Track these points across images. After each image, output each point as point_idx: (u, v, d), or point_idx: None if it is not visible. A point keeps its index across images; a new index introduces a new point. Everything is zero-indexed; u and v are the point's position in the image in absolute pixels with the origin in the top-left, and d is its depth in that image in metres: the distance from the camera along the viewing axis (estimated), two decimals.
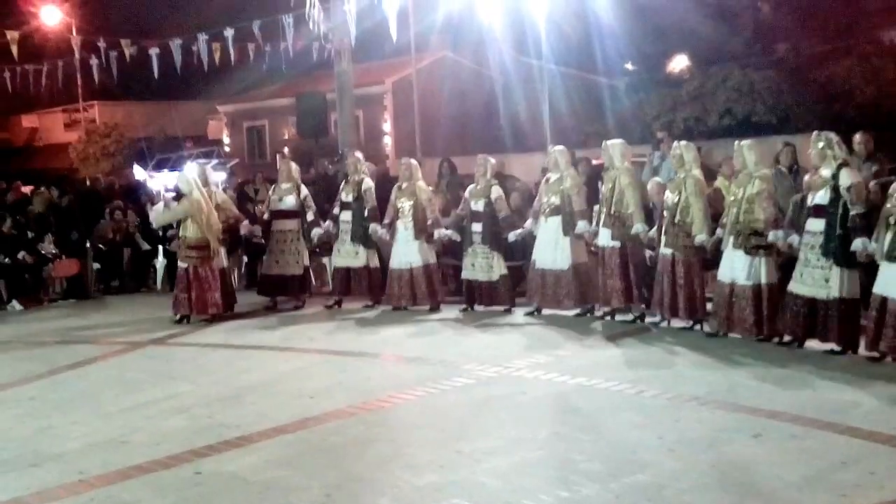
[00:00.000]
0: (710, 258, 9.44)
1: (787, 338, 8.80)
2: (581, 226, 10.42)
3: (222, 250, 11.61)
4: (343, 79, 18.57)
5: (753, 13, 29.35)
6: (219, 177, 22.23)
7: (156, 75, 19.09)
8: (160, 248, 14.31)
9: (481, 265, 11.14)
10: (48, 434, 6.94)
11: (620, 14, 23.13)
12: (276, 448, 6.34)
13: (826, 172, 8.32)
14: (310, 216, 12.02)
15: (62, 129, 40.18)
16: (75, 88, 32.81)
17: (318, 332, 10.59)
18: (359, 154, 12.65)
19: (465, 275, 11.34)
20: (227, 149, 33.09)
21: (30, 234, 13.87)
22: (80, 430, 7.00)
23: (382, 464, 5.93)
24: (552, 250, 10.58)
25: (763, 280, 8.80)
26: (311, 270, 12.67)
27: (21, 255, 13.43)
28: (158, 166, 28.83)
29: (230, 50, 18.02)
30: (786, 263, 8.93)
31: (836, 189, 8.15)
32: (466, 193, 11.33)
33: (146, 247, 12.34)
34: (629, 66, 29.44)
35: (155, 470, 5.96)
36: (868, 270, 8.19)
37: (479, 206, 11.10)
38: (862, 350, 8.22)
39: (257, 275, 13.15)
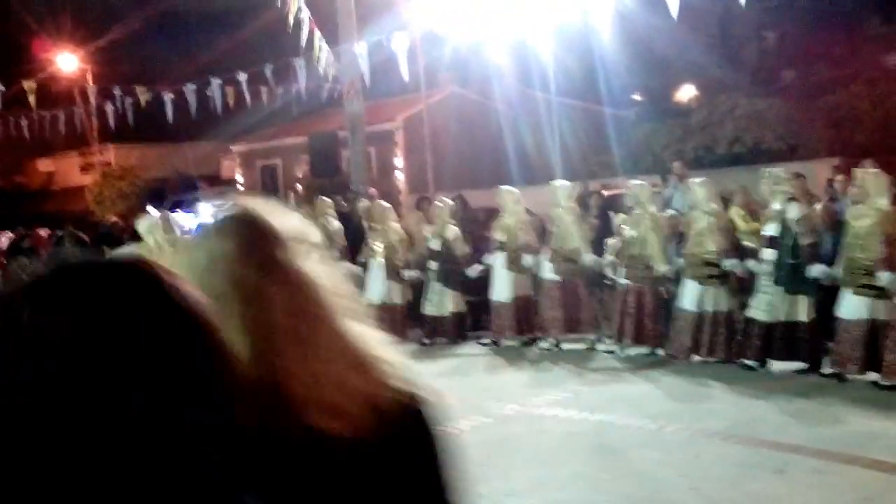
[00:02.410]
0: (668, 288, 10.04)
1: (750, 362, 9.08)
2: (526, 259, 11.00)
3: None
4: (354, 117, 18.75)
5: (758, 42, 29.51)
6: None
7: (170, 120, 19.30)
8: None
9: (434, 301, 11.75)
10: None
11: (625, 46, 23.23)
12: None
13: (776, 206, 8.87)
14: None
15: (78, 172, 40.39)
16: (91, 132, 33.13)
17: None
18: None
19: (423, 309, 11.91)
20: (240, 188, 33.28)
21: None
22: None
23: None
24: (497, 283, 11.24)
25: (717, 308, 9.31)
26: None
27: None
28: (174, 207, 29.08)
29: (244, 93, 18.21)
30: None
31: (784, 221, 8.71)
32: (426, 233, 11.98)
33: None
34: (636, 97, 29.56)
35: None
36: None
37: (435, 245, 11.72)
38: (826, 369, 8.60)
39: None
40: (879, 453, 6.37)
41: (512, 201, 11.34)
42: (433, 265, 11.75)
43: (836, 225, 9.09)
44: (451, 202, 13.48)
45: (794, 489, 5.80)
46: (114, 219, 19.73)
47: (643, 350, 10.06)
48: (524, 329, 11.24)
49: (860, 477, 5.99)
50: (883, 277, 7.98)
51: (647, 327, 9.99)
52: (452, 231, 11.72)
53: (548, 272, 10.83)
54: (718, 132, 22.93)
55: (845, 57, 26.54)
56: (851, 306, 8.25)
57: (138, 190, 33.37)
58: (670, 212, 11.22)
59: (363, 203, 13.34)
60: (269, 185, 33.16)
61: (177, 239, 12.07)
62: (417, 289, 12.21)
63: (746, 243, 9.55)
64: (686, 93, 29.18)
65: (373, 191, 17.68)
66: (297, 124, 29.13)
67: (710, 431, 7.21)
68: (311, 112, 25.89)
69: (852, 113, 22.79)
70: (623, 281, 10.13)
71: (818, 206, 9.22)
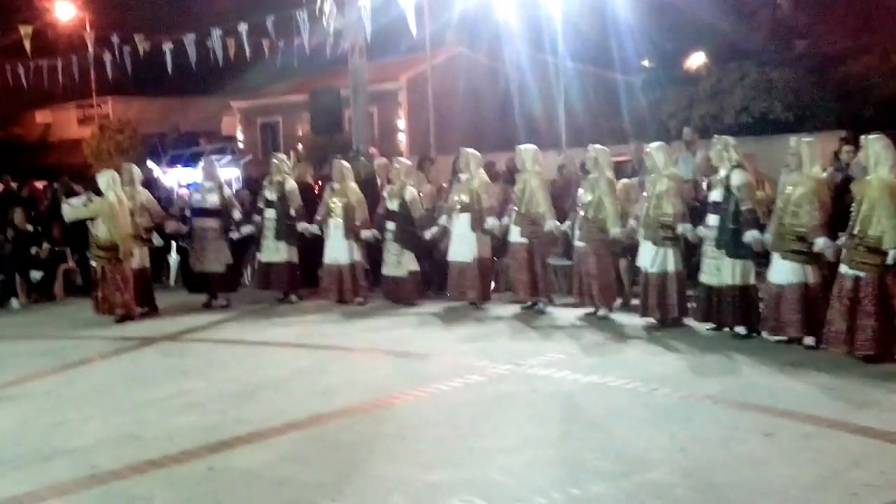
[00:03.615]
0: (624, 249, 10.49)
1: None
2: (490, 222, 11.17)
3: (140, 251, 11.83)
4: (357, 75, 18.58)
5: (772, 10, 29.15)
6: (231, 173, 22.41)
7: (169, 71, 19.10)
8: (173, 243, 14.33)
9: (392, 262, 11.83)
10: (62, 429, 6.98)
11: (637, 10, 22.97)
12: (289, 444, 6.36)
13: (722, 172, 9.22)
14: (236, 214, 12.44)
15: (76, 125, 40.26)
16: (89, 84, 32.86)
17: (332, 329, 10.62)
18: (282, 155, 13.25)
19: (382, 270, 12.00)
20: (240, 145, 33.14)
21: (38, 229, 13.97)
22: (94, 425, 7.05)
23: (393, 460, 5.93)
24: (460, 244, 11.35)
25: (669, 268, 9.62)
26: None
27: (34, 249, 13.51)
28: (172, 162, 28.97)
29: (244, 45, 18.01)
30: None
31: (727, 188, 9.05)
32: (384, 193, 12.02)
33: (159, 242, 12.41)
34: (646, 63, 29.24)
35: (168, 465, 5.99)
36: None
37: (393, 205, 11.77)
38: (765, 334, 8.91)
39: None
40: (868, 420, 6.34)
41: (475, 163, 11.51)
42: (391, 226, 11.78)
43: (840, 196, 9.05)
44: (414, 162, 13.45)
45: (783, 453, 5.77)
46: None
47: (635, 315, 10.14)
48: (486, 290, 11.49)
49: (848, 442, 5.95)
50: (818, 242, 8.28)
51: (603, 288, 10.33)
52: (410, 192, 11.80)
53: (515, 235, 10.97)
54: (726, 101, 22.69)
55: (860, 28, 26.22)
56: (784, 271, 8.57)
57: (137, 144, 33.24)
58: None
59: (379, 161, 13.25)
60: (270, 142, 33.02)
61: (136, 192, 12.11)
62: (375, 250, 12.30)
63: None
64: (697, 60, 28.83)
65: (374, 150, 17.58)
66: (299, 82, 28.92)
67: (701, 395, 7.17)
68: (314, 70, 25.68)
69: (863, 85, 22.53)
70: (579, 243, 10.43)
71: (825, 176, 9.11)
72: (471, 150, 11.56)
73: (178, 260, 14.53)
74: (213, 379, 8.40)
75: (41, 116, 41.90)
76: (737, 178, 9.03)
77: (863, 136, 8.25)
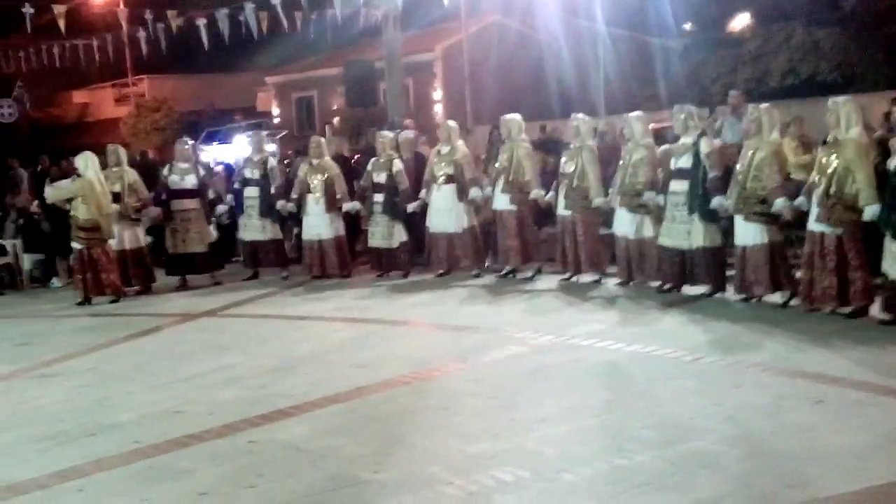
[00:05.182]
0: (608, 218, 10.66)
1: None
2: (474, 192, 11.40)
3: (132, 230, 11.95)
4: (391, 46, 18.41)
5: None
6: (268, 148, 22.40)
7: (205, 46, 19.07)
8: (213, 220, 14.33)
9: (382, 233, 11.94)
10: (105, 404, 7.02)
11: None
12: (329, 417, 6.34)
13: (688, 140, 9.53)
14: (211, 194, 12.62)
15: (112, 105, 40.50)
16: (124, 63, 33.01)
17: (371, 303, 10.58)
18: (263, 132, 13.27)
19: (370, 242, 12.16)
20: (276, 120, 33.17)
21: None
22: (136, 400, 7.07)
23: (434, 432, 5.89)
24: (446, 216, 11.47)
25: (645, 234, 9.98)
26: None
27: None
28: (208, 139, 29.08)
29: (279, 18, 17.92)
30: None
31: (696, 155, 9.36)
32: (370, 166, 12.11)
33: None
34: (687, 27, 28.71)
35: (209, 439, 5.99)
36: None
37: (380, 178, 11.88)
38: (730, 293, 9.34)
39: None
40: None
41: (455, 135, 11.73)
42: (378, 198, 11.85)
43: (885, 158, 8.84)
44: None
45: (833, 420, 5.64)
46: (149, 152, 19.75)
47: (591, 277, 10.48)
48: (480, 257, 11.72)
49: None
50: (778, 203, 8.63)
51: (588, 255, 10.54)
52: (397, 165, 11.87)
53: (502, 203, 11.10)
54: (772, 63, 22.26)
55: None
56: (748, 233, 8.91)
57: (173, 122, 33.39)
58: (717, 141, 11.07)
59: (405, 134, 13.16)
60: (305, 117, 33.00)
61: (125, 172, 12.13)
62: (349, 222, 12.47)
63: (794, 176, 9.27)
64: (740, 22, 28.22)
65: (409, 122, 17.47)
66: (333, 55, 28.82)
67: (749, 363, 7.04)
68: (348, 43, 25.57)
69: None
70: (564, 212, 10.61)
71: (872, 137, 8.95)
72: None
73: (217, 236, 14.52)
74: (253, 354, 8.40)
75: (79, 97, 42.21)
76: (705, 146, 9.36)
77: (831, 99, 8.49)
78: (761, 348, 7.51)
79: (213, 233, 12.80)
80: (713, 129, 12.98)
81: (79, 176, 11.38)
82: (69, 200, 11.38)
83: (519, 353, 7.75)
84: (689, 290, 9.69)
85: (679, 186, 9.52)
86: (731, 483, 4.80)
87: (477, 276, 11.58)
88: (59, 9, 18.20)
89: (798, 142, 10.29)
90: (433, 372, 7.36)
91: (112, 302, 11.37)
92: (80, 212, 11.24)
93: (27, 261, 13.65)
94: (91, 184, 11.22)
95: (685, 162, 9.50)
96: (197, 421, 6.38)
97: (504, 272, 11.41)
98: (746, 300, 9.15)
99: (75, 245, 11.44)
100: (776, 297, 9.03)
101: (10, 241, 13.69)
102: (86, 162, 11.38)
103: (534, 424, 5.85)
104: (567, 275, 10.81)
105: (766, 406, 5.96)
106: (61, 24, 18.09)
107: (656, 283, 9.99)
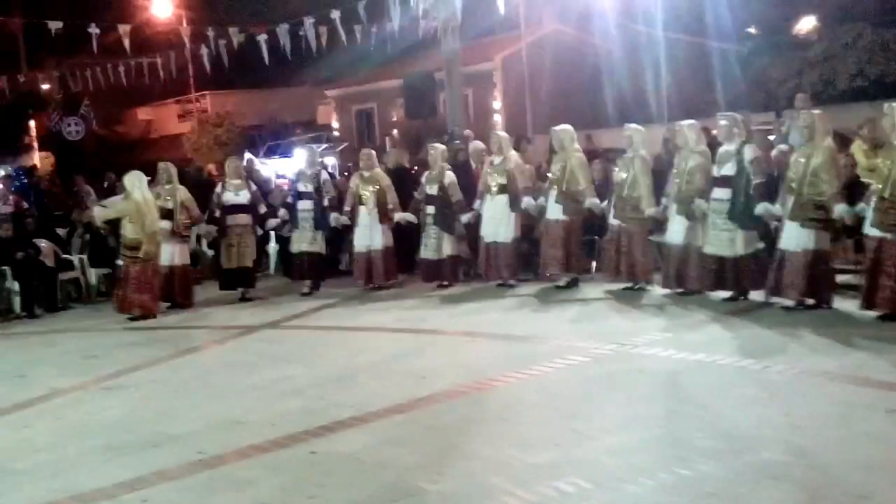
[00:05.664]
0: (656, 227, 10.72)
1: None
2: (526, 201, 11.42)
3: (180, 247, 12.12)
4: (450, 56, 18.44)
5: None
6: (329, 161, 22.59)
7: (266, 62, 19.27)
8: (272, 233, 14.47)
9: (432, 245, 12.00)
10: (168, 416, 7.09)
11: None
12: (390, 428, 6.32)
13: (731, 147, 9.55)
14: (262, 209, 12.74)
15: (176, 121, 41.18)
16: (187, 80, 33.54)
17: (428, 314, 10.57)
18: (316, 146, 13.32)
19: (421, 254, 12.22)
20: (336, 133, 33.42)
21: None
22: (199, 411, 7.14)
23: (495, 442, 5.84)
24: (496, 225, 11.53)
25: (694, 241, 9.91)
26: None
27: None
28: (269, 153, 29.39)
29: (338, 32, 18.05)
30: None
31: (740, 162, 9.39)
32: (423, 179, 12.23)
33: (259, 232, 12.61)
34: (751, 31, 28.25)
35: (271, 450, 6.01)
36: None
37: (432, 190, 11.97)
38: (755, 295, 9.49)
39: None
40: None
41: (507, 145, 11.81)
42: (430, 210, 11.96)
43: None
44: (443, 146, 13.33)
45: None
46: (210, 167, 19.99)
47: (724, 294, 9.90)
48: (518, 269, 11.73)
49: None
50: (839, 209, 8.60)
51: (637, 264, 10.56)
52: (449, 176, 11.92)
53: (555, 213, 11.11)
54: (839, 65, 21.80)
55: None
56: (797, 238, 8.86)
57: (235, 137, 33.83)
58: (781, 147, 10.99)
59: (474, 145, 13.16)
60: (365, 129, 33.21)
61: (177, 189, 12.28)
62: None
63: (864, 180, 9.04)
64: (806, 24, 27.70)
65: (468, 133, 17.46)
66: (392, 67, 28.94)
67: (816, 371, 6.88)
68: (407, 55, 25.66)
69: None
70: (614, 221, 10.68)
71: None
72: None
73: (277, 248, 14.68)
74: (313, 365, 8.43)
75: (143, 114, 43.02)
76: (749, 153, 9.39)
77: (886, 104, 8.44)
78: (826, 356, 7.35)
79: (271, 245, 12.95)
80: (780, 134, 12.79)
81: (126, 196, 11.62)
82: (114, 220, 11.63)
83: (580, 363, 7.67)
84: (753, 296, 9.60)
85: (722, 194, 9.54)
86: (799, 494, 4.68)
87: (513, 286, 11.57)
88: (124, 28, 18.55)
89: (870, 144, 10.03)
90: (493, 382, 7.31)
91: (132, 320, 11.47)
92: (126, 231, 11.47)
93: (93, 275, 13.90)
94: (136, 204, 11.42)
95: (728, 169, 9.51)
96: (258, 432, 6.41)
97: (499, 283, 11.63)
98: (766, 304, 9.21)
99: (118, 262, 11.73)
100: (843, 304, 8.91)
101: (78, 255, 13.97)
102: (132, 182, 11.59)
103: (596, 434, 5.78)
104: (625, 285, 10.79)
105: (835, 416, 5.81)
106: (126, 43, 18.44)
107: (709, 291, 9.93)
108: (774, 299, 9.26)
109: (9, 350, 10.62)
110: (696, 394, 6.58)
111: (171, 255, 12.05)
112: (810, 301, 9.00)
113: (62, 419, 7.32)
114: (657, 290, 10.51)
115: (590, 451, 5.49)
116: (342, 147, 28.15)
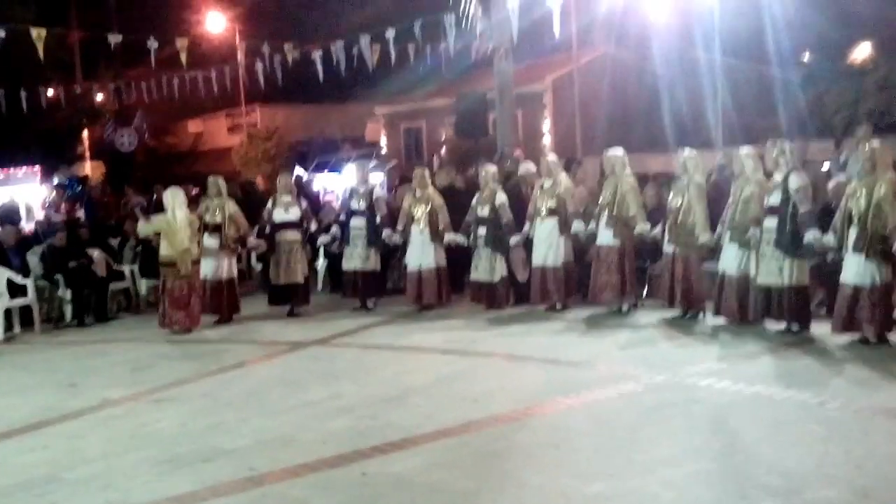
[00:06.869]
0: (710, 255, 10.52)
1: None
2: (576, 226, 11.39)
3: (228, 261, 12.19)
4: (503, 77, 18.42)
5: None
6: (376, 178, 22.64)
7: (321, 78, 19.38)
8: (321, 249, 14.51)
9: (485, 267, 11.93)
10: (219, 430, 7.10)
11: (796, 1, 21.91)
12: (441, 451, 6.27)
13: (778, 177, 9.48)
14: (313, 226, 12.83)
15: (225, 133, 41.48)
16: (238, 93, 33.84)
17: (479, 335, 10.50)
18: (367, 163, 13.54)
19: (472, 276, 12.11)
20: (384, 150, 33.52)
21: None
22: (250, 426, 7.14)
23: (549, 470, 5.76)
24: (546, 248, 11.48)
25: (747, 271, 9.79)
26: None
27: None
28: (318, 168, 29.54)
29: (391, 51, 18.12)
30: None
31: (786, 191, 9.31)
32: (474, 200, 12.12)
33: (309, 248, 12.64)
34: (805, 57, 27.93)
35: (322, 469, 5.99)
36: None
37: (484, 211, 11.91)
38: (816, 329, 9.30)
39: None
40: None
41: (558, 169, 11.76)
42: (482, 231, 11.88)
43: None
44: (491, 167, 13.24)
45: None
46: (258, 179, 20.13)
47: (780, 325, 9.67)
48: (570, 293, 11.63)
49: None
50: None
51: (692, 291, 10.42)
52: (500, 198, 11.86)
53: (606, 238, 11.06)
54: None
55: None
56: (861, 271, 8.70)
57: (283, 151, 34.05)
58: (841, 178, 10.79)
59: (525, 166, 13.09)
60: (413, 147, 33.27)
61: (225, 203, 12.32)
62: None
63: None
64: (863, 51, 27.31)
65: (519, 153, 17.41)
66: (443, 86, 29.02)
67: (878, 409, 6.72)
68: (457, 74, 25.69)
69: None
70: (669, 248, 10.56)
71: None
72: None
73: (325, 264, 14.71)
74: (364, 383, 8.41)
75: (193, 126, 43.39)
76: (794, 182, 9.28)
77: None
78: (890, 392, 7.18)
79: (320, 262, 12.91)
80: (837, 163, 12.58)
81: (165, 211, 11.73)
82: (157, 234, 11.74)
83: (634, 391, 7.56)
84: (814, 330, 9.41)
85: (771, 223, 9.48)
86: None
87: (562, 310, 11.50)
88: (181, 42, 18.77)
89: None
90: (544, 408, 7.23)
91: (175, 333, 11.52)
92: (162, 248, 11.59)
93: (144, 285, 14.04)
94: (168, 221, 11.52)
95: (775, 199, 9.46)
96: (310, 449, 6.39)
97: (547, 307, 11.57)
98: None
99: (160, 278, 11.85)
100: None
101: (128, 266, 14.11)
102: (167, 198, 11.70)
103: (654, 465, 5.68)
104: (677, 312, 10.67)
105: None
106: (183, 57, 18.63)
107: (763, 322, 9.77)
108: (834, 332, 9.02)
109: (60, 358, 10.71)
110: (754, 428, 6.45)
111: (219, 268, 12.12)
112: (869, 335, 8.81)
113: (113, 430, 7.37)
114: (709, 319, 10.35)
115: (647, 483, 5.40)
116: (391, 165, 28.21)
